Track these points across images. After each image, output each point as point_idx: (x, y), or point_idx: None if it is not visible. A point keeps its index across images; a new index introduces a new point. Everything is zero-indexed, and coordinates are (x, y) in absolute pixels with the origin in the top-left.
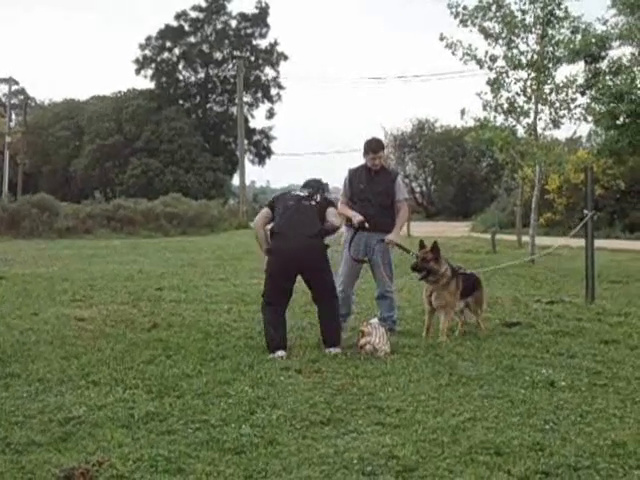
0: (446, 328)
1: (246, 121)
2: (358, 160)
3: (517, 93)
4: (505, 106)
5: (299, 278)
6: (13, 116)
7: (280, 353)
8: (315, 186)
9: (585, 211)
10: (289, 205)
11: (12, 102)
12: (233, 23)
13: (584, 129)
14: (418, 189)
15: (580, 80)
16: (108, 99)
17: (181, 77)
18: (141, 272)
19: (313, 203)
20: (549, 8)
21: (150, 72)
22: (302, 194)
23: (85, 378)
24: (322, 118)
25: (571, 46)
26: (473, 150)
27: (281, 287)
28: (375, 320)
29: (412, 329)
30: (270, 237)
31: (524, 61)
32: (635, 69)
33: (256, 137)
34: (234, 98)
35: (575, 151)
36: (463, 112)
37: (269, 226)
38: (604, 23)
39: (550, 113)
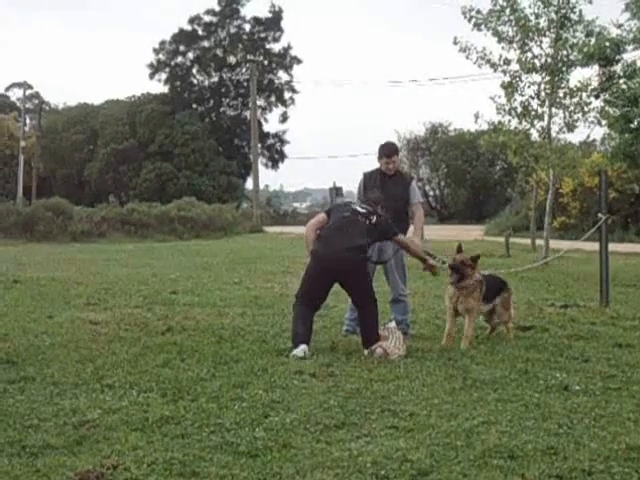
0: (470, 335)
1: (259, 125)
2: (372, 164)
3: (531, 97)
4: (519, 110)
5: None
6: (27, 120)
7: (303, 347)
8: (375, 203)
9: (599, 214)
10: (344, 215)
11: (26, 106)
12: (247, 27)
13: (598, 133)
14: (431, 193)
15: (594, 83)
16: (122, 103)
17: (195, 81)
18: (155, 276)
19: (368, 222)
20: (563, 11)
21: (164, 76)
22: (361, 210)
23: (100, 381)
24: (336, 122)
25: (585, 49)
26: (486, 153)
27: (315, 290)
28: (392, 324)
29: (426, 333)
30: (316, 240)
31: (538, 64)
32: None
33: (270, 141)
34: (248, 102)
35: (589, 155)
36: (477, 116)
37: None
38: (618, 26)
39: (564, 117)
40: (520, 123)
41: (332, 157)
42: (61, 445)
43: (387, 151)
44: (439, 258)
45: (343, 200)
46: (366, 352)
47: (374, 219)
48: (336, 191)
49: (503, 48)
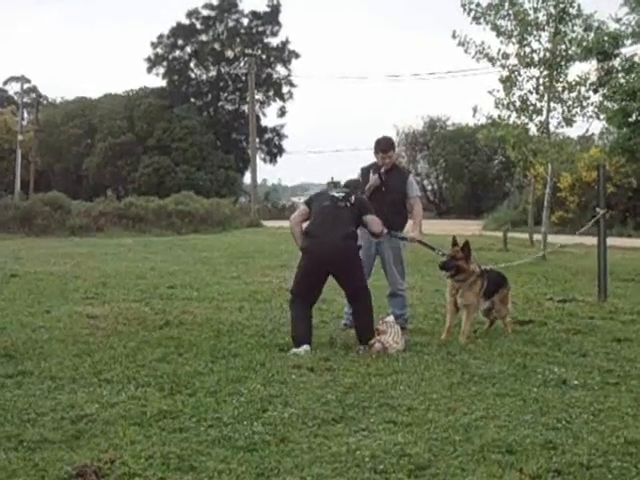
0: (467, 330)
1: (258, 119)
2: (369, 158)
3: (529, 91)
4: (517, 104)
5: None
6: (25, 114)
7: (305, 347)
8: (353, 187)
9: (597, 209)
10: (324, 205)
11: (24, 100)
12: (245, 21)
13: (596, 127)
14: (430, 187)
15: (592, 78)
16: (120, 97)
17: (193, 75)
18: (153, 270)
19: (348, 205)
20: (562, 6)
21: (162, 70)
22: (338, 195)
23: (97, 376)
24: (334, 116)
25: (584, 44)
26: (485, 148)
27: (310, 286)
28: (390, 318)
29: (424, 327)
30: (304, 237)
31: (536, 59)
32: None
33: (268, 135)
34: (246, 96)
35: (587, 149)
36: (475, 110)
37: (305, 224)
38: (617, 21)
39: (562, 111)
40: (519, 117)
41: (330, 152)
42: (59, 439)
43: (383, 146)
44: (438, 250)
45: (328, 190)
46: (361, 349)
47: (353, 199)
48: (334, 185)
49: (502, 42)
